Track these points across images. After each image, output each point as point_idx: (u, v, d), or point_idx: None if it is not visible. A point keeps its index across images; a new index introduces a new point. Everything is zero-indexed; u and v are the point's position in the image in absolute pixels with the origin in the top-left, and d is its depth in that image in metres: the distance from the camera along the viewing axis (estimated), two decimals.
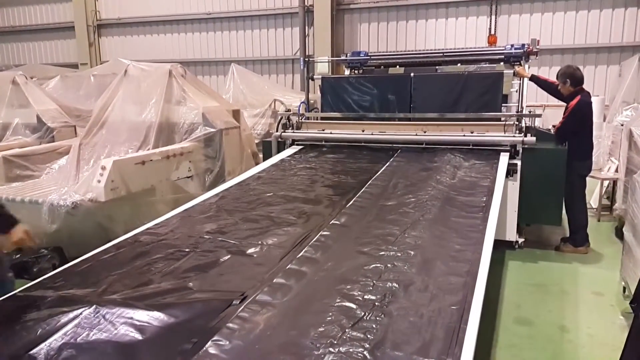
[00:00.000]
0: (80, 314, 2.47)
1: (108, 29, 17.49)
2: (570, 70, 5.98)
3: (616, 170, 7.31)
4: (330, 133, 6.62)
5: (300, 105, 7.36)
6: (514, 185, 5.59)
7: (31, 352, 2.22)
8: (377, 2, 13.93)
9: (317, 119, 7.13)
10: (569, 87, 5.94)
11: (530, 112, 6.20)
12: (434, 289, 2.72)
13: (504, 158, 5.52)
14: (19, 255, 5.44)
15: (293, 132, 6.77)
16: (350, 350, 2.16)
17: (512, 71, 6.60)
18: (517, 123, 5.95)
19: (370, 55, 7.91)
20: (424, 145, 6.13)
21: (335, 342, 2.22)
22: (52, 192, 5.45)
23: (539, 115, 6.32)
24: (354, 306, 2.53)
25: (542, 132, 6.18)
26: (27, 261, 5.34)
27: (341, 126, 6.77)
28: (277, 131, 6.76)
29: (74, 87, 9.91)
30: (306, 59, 7.64)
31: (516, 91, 6.67)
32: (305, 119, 7.03)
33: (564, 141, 5.88)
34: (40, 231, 5.30)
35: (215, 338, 2.27)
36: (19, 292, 2.87)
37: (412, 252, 3.21)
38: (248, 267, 3.13)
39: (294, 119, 6.91)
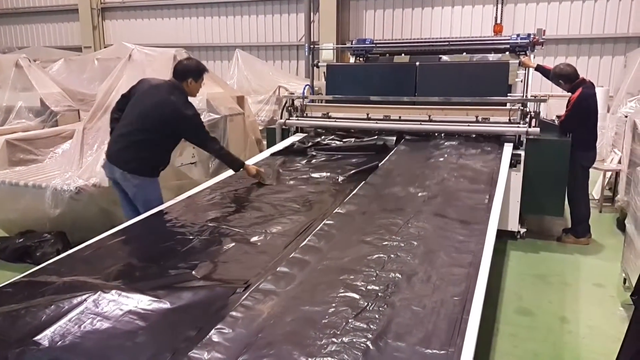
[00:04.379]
0: (85, 300, 2.49)
1: (112, 12, 17.42)
2: (557, 71, 6.02)
3: (619, 162, 7.30)
4: (335, 121, 6.57)
5: (305, 88, 7.27)
6: (517, 176, 5.58)
7: (35, 338, 2.23)
8: None
9: (321, 102, 7.06)
10: (565, 85, 5.97)
11: (535, 97, 6.18)
12: (437, 280, 2.72)
13: (508, 148, 5.51)
14: (22, 240, 5.49)
15: (297, 119, 6.72)
16: (353, 340, 2.17)
17: (517, 61, 6.56)
18: (522, 109, 5.92)
19: (376, 43, 7.86)
20: (428, 133, 6.11)
21: (338, 332, 2.24)
22: (55, 176, 5.47)
23: (544, 100, 6.30)
24: (357, 296, 2.53)
25: (546, 122, 6.16)
26: (30, 245, 5.38)
27: (346, 109, 6.67)
28: (281, 118, 6.73)
29: (78, 70, 9.85)
30: (311, 46, 7.59)
31: (521, 81, 6.64)
32: (309, 102, 6.96)
33: (568, 133, 5.87)
34: (43, 216, 5.33)
35: (218, 326, 2.29)
36: (24, 277, 2.88)
37: (415, 243, 3.22)
38: (252, 255, 3.14)
39: (298, 103, 6.86)
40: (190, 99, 4.54)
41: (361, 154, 5.65)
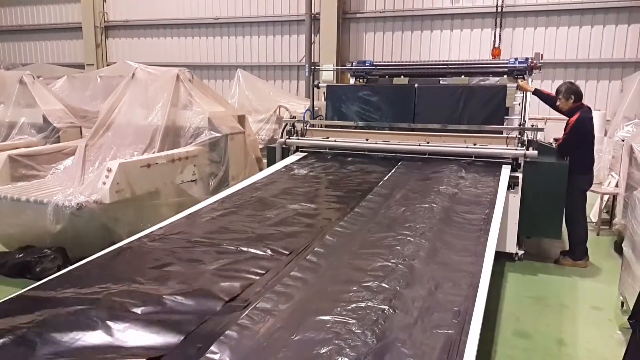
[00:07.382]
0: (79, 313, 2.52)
1: (115, 31, 17.57)
2: (575, 87, 6.10)
3: (616, 185, 7.34)
4: (334, 141, 6.66)
5: (305, 113, 7.40)
6: (515, 198, 5.63)
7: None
8: (383, 12, 14.00)
9: (321, 127, 7.17)
10: (571, 103, 6.02)
11: (532, 125, 6.25)
12: (435, 301, 2.74)
13: (506, 170, 5.56)
14: (22, 255, 5.50)
15: (297, 139, 6.82)
16: None
17: (515, 84, 6.65)
18: (519, 136, 5.99)
19: (376, 65, 7.96)
20: (426, 156, 6.18)
21: (334, 353, 2.24)
22: (57, 192, 5.49)
23: (542, 129, 6.36)
24: (352, 320, 2.50)
25: (543, 145, 6.22)
26: (30, 261, 5.38)
27: (345, 134, 6.82)
28: (281, 138, 6.81)
29: (81, 87, 9.96)
30: (312, 67, 7.69)
31: (519, 104, 6.71)
32: (309, 126, 7.08)
33: (566, 156, 5.92)
34: (44, 231, 5.35)
35: (215, 344, 2.29)
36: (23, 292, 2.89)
37: (413, 264, 3.24)
38: (251, 273, 3.13)
39: (299, 125, 6.95)
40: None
41: None
